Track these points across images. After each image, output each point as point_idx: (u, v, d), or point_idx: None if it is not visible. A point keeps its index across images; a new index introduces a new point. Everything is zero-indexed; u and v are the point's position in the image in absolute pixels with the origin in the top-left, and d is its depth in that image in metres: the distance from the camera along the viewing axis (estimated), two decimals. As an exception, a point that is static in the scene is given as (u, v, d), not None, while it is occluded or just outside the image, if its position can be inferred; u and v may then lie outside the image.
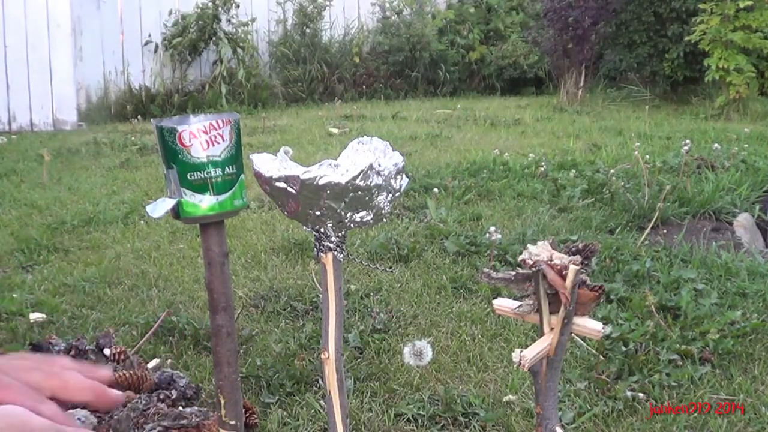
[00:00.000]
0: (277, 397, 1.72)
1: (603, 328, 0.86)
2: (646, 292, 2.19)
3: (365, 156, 0.91)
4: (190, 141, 0.98)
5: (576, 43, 7.53)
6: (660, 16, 7.44)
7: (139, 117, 6.90)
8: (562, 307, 0.84)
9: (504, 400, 1.69)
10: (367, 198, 0.88)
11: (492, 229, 2.53)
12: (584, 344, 1.94)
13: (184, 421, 1.34)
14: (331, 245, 0.91)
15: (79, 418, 1.27)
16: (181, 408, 1.43)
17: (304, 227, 0.92)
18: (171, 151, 0.99)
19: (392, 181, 0.89)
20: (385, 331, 2.06)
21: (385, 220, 0.91)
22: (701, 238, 2.87)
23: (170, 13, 7.94)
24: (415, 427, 1.61)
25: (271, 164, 0.89)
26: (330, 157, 0.91)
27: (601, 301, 1.88)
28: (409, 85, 9.00)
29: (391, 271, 2.50)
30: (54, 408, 0.77)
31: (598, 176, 3.71)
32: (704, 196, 3.39)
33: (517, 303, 0.88)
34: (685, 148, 3.60)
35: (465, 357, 1.92)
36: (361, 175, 0.86)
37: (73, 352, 1.63)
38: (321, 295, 0.94)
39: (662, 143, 5.01)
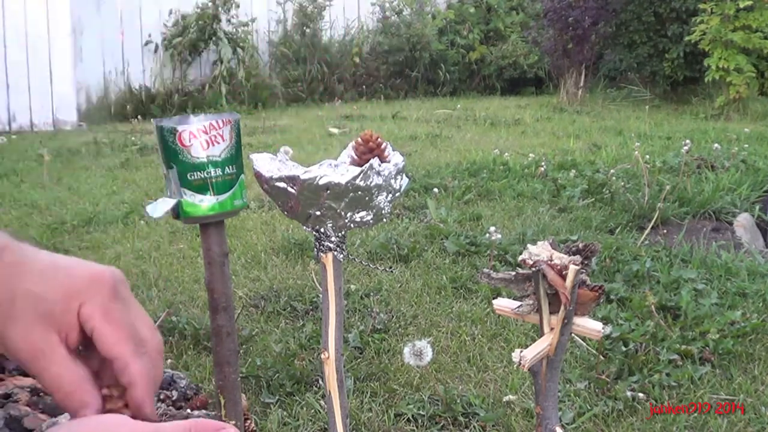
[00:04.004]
0: (277, 397, 1.72)
1: (603, 328, 0.86)
2: (646, 292, 2.19)
3: (365, 156, 0.91)
4: (190, 141, 0.98)
5: (576, 43, 7.53)
6: (660, 16, 7.44)
7: (139, 117, 6.89)
8: (562, 307, 0.83)
9: (504, 400, 1.69)
10: (367, 198, 0.88)
11: (492, 229, 2.53)
12: (584, 344, 1.94)
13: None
14: (331, 245, 0.91)
15: (68, 419, 1.27)
16: (188, 411, 1.43)
17: (304, 227, 0.92)
18: (171, 151, 0.99)
19: (392, 181, 0.89)
20: (385, 331, 2.06)
21: (385, 220, 0.91)
22: (701, 238, 2.87)
23: (170, 13, 7.94)
24: (415, 427, 1.61)
25: (271, 164, 0.89)
26: (330, 157, 0.90)
27: (601, 301, 1.88)
28: (409, 85, 9.00)
29: (391, 271, 2.50)
30: (147, 366, 0.62)
31: (598, 176, 3.71)
32: (704, 196, 3.38)
33: (517, 303, 0.88)
34: (685, 148, 3.60)
35: (465, 357, 1.92)
36: (361, 175, 0.86)
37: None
38: (321, 295, 0.94)
39: (662, 143, 5.01)
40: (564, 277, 0.82)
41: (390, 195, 0.90)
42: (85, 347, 0.63)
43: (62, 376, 0.60)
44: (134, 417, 0.62)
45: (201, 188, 1.00)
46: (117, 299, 0.64)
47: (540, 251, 0.84)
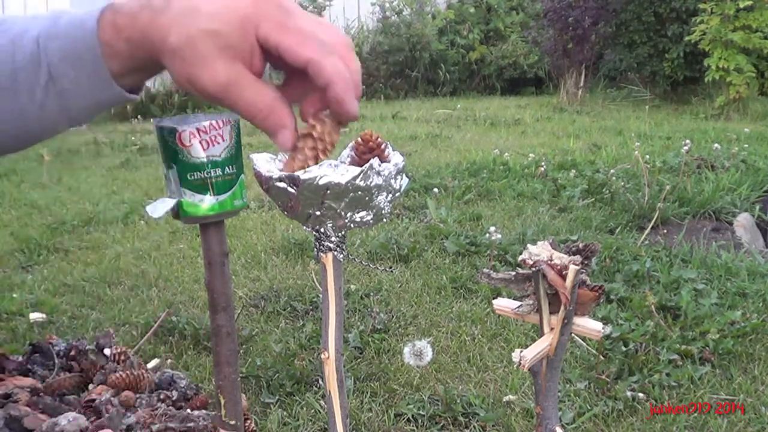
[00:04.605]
0: (277, 397, 1.72)
1: (603, 328, 0.86)
2: (646, 292, 2.19)
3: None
4: (190, 141, 0.98)
5: (576, 43, 7.53)
6: (660, 16, 7.44)
7: (139, 117, 6.89)
8: (562, 307, 0.83)
9: (504, 400, 1.69)
10: (367, 198, 0.88)
11: (492, 229, 2.53)
12: (584, 344, 1.94)
13: (191, 424, 1.34)
14: (331, 245, 0.91)
15: (68, 420, 1.27)
16: (188, 411, 1.43)
17: (304, 227, 0.92)
18: (171, 151, 0.99)
19: (392, 181, 0.89)
20: (385, 331, 2.06)
21: (385, 220, 0.91)
22: (701, 238, 2.87)
23: (170, 13, 7.94)
24: (415, 427, 1.61)
25: (271, 164, 0.89)
26: (330, 157, 0.90)
27: (601, 301, 1.88)
28: (409, 85, 9.00)
29: (391, 271, 2.50)
30: (339, 64, 0.63)
31: (598, 176, 3.71)
32: (704, 196, 3.39)
33: (517, 303, 0.88)
34: (685, 148, 3.60)
35: (465, 357, 1.92)
36: (361, 175, 0.86)
37: (73, 352, 1.63)
38: (321, 295, 0.94)
39: (662, 143, 5.01)
40: (564, 277, 0.82)
41: (390, 195, 0.90)
42: (283, 81, 0.66)
43: (256, 98, 0.63)
44: (337, 116, 0.65)
45: (201, 188, 1.00)
46: (288, 13, 0.64)
47: (540, 251, 0.84)
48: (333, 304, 0.92)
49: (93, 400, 1.42)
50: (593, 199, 3.39)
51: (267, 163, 0.90)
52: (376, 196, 0.89)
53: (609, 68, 8.33)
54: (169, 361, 1.86)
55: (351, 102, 0.65)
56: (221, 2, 0.64)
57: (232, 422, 1.05)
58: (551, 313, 0.85)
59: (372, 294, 2.31)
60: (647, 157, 4.14)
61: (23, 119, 0.72)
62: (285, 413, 1.65)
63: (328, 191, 0.86)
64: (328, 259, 0.92)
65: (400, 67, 8.92)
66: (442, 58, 9.06)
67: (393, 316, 2.15)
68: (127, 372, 1.52)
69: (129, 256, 2.77)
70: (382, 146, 0.90)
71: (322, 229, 0.91)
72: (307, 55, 0.62)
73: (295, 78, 0.67)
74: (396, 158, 0.91)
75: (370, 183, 0.87)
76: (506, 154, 4.47)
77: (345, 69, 0.64)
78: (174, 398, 1.51)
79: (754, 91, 6.77)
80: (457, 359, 1.90)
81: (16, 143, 0.76)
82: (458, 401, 1.66)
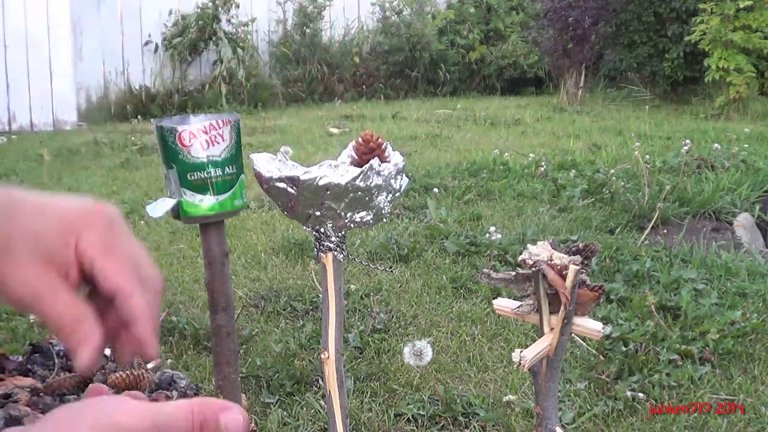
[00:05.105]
0: (277, 397, 1.72)
1: (603, 328, 0.86)
2: (646, 292, 2.19)
3: (365, 156, 0.90)
4: (190, 141, 0.98)
5: (576, 43, 7.53)
6: (660, 16, 7.44)
7: (139, 117, 6.89)
8: (562, 307, 0.83)
9: (504, 400, 1.69)
10: (367, 198, 0.88)
11: (492, 229, 2.53)
12: (584, 344, 1.94)
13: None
14: (331, 245, 0.91)
15: None
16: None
17: (304, 227, 0.92)
18: (171, 151, 0.99)
19: (392, 182, 0.89)
20: (385, 331, 2.06)
21: (385, 220, 0.91)
22: (701, 238, 2.87)
23: (170, 13, 7.94)
24: (415, 427, 1.61)
25: (271, 164, 0.89)
26: (330, 157, 0.90)
27: (601, 301, 1.88)
28: (409, 85, 9.00)
29: (391, 271, 2.50)
30: (151, 302, 0.59)
31: (598, 176, 3.71)
32: (704, 196, 3.38)
33: (517, 303, 0.88)
34: (685, 148, 3.60)
35: (465, 357, 1.92)
36: (361, 175, 0.86)
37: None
38: (321, 295, 0.94)
39: (662, 143, 5.01)
40: (564, 277, 0.82)
41: (390, 195, 0.90)
42: (91, 290, 0.60)
43: (63, 315, 0.57)
44: (137, 354, 0.60)
45: (201, 188, 1.00)
46: (114, 232, 0.61)
47: (540, 251, 0.84)
48: (333, 304, 0.92)
49: (93, 400, 1.42)
50: (593, 199, 3.39)
51: (267, 163, 0.90)
52: (376, 196, 0.89)
53: (609, 68, 8.33)
54: (169, 361, 1.86)
55: (153, 344, 0.60)
56: (47, 205, 0.59)
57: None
58: (551, 313, 0.85)
59: (372, 294, 2.31)
60: (647, 157, 4.14)
61: None
62: (285, 413, 1.65)
63: (328, 192, 0.86)
64: (328, 259, 0.92)
65: (400, 67, 8.92)
66: (442, 58, 9.06)
67: (393, 316, 2.15)
68: (127, 372, 1.52)
69: (129, 256, 2.77)
70: (383, 146, 0.90)
71: (322, 229, 0.91)
72: (119, 282, 0.58)
73: (111, 312, 0.61)
74: (396, 158, 0.91)
75: (370, 183, 0.87)
76: (506, 154, 4.47)
77: (154, 308, 0.60)
78: (174, 398, 1.51)
79: (754, 91, 6.77)
80: (457, 359, 1.90)
81: None
82: (458, 401, 1.66)
